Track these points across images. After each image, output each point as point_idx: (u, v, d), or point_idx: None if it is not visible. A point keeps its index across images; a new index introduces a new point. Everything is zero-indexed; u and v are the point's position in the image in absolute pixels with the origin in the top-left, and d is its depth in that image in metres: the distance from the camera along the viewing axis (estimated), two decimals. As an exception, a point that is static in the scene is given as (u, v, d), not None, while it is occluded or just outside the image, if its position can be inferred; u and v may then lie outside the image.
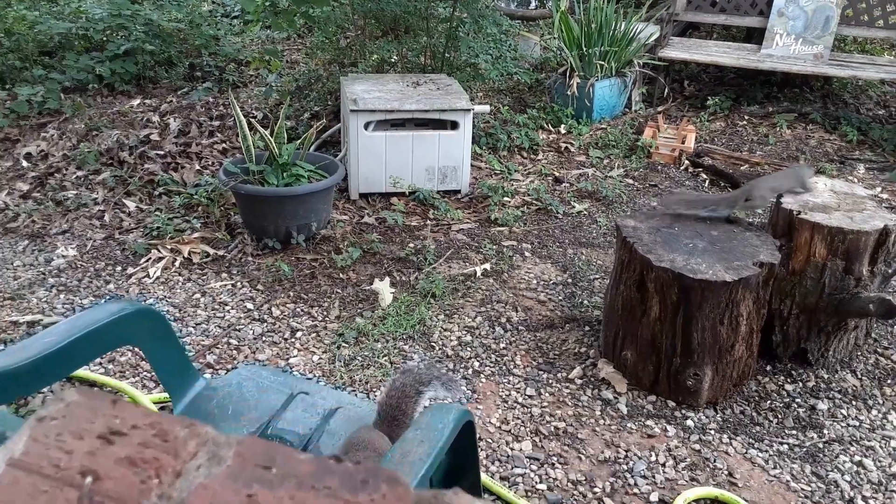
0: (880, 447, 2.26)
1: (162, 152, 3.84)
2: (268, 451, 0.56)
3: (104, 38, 5.28)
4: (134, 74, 5.03)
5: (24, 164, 3.78)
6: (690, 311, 2.23)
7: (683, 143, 4.38)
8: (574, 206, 3.77)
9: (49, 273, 3.03)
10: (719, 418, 2.35)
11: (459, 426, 1.28)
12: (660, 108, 5.09)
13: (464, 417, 1.28)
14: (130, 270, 3.05)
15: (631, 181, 4.11)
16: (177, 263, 3.09)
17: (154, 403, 2.27)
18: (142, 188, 3.62)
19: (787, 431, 2.31)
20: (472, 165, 3.89)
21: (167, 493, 0.55)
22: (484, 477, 2.04)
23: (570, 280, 3.13)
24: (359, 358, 2.59)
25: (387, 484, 0.50)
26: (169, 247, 3.16)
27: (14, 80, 4.75)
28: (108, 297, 2.90)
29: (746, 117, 5.04)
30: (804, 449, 2.24)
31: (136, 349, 2.44)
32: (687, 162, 4.26)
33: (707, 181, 4.14)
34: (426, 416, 1.28)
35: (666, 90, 5.17)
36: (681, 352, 2.31)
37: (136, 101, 4.60)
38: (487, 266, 3.16)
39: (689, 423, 2.32)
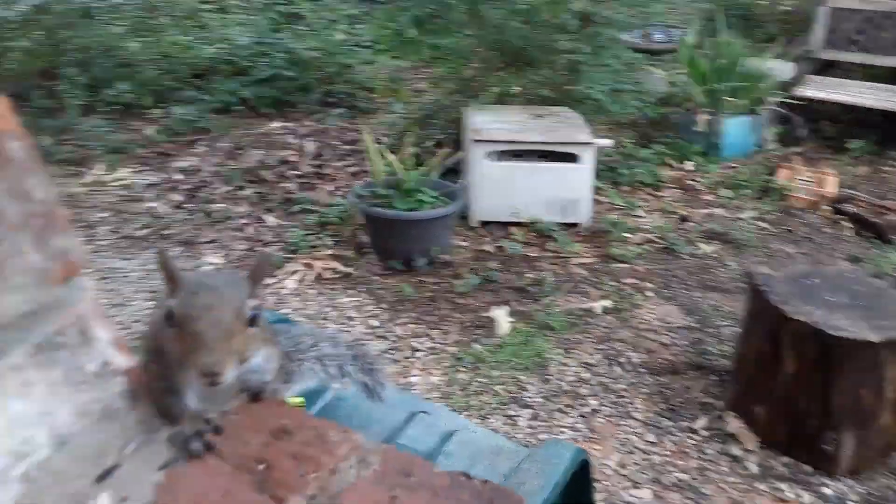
0: None
1: (299, 172, 4.08)
2: (408, 461, 0.65)
3: (248, 64, 5.70)
4: (274, 98, 5.40)
5: (178, 176, 4.13)
6: (830, 370, 2.10)
7: (822, 187, 4.15)
8: (700, 247, 3.66)
9: (196, 279, 3.28)
10: (862, 490, 2.18)
11: (576, 464, 1.27)
12: (795, 150, 4.86)
13: (580, 456, 1.28)
14: (268, 281, 3.25)
15: (764, 224, 3.93)
16: (309, 278, 3.27)
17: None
18: (280, 205, 3.86)
19: (937, 510, 2.12)
20: (593, 199, 3.87)
21: (324, 486, 0.65)
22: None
23: (696, 325, 3.03)
24: (475, 383, 2.63)
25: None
26: (303, 261, 3.35)
27: (169, 100, 5.21)
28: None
29: (892, 163, 4.71)
30: (957, 530, 2.04)
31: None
32: (827, 208, 4.02)
33: (849, 230, 3.88)
34: (542, 450, 1.28)
35: (803, 131, 4.93)
36: (819, 413, 2.17)
37: (276, 124, 4.92)
38: (607, 303, 3.12)
39: (827, 491, 2.17)
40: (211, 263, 3.38)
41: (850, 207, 3.93)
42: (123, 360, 0.72)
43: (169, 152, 4.46)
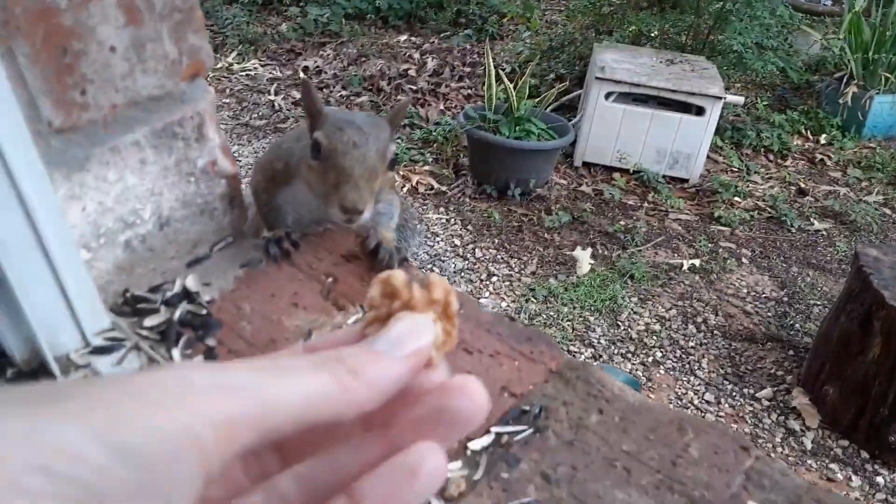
0: None
1: (415, 87, 4.15)
2: (461, 298, 0.70)
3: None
4: (407, 11, 5.43)
5: (301, 75, 4.31)
6: (919, 362, 1.98)
7: (972, 182, 3.74)
8: (812, 224, 3.43)
9: (301, 172, 3.48)
10: (921, 488, 2.08)
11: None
12: (952, 138, 4.37)
13: (631, 384, 1.30)
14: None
15: (889, 211, 3.62)
16: (404, 190, 3.37)
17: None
18: (390, 116, 3.96)
19: None
20: (708, 157, 3.69)
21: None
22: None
23: (785, 298, 2.89)
24: (543, 315, 2.66)
25: (546, 345, 0.59)
26: (401, 173, 3.45)
27: (306, 1, 5.38)
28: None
29: None
30: None
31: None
32: (969, 205, 3.64)
33: None
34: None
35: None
36: (892, 403, 2.06)
37: (403, 37, 4.98)
38: (696, 262, 3.03)
39: (880, 480, 2.08)
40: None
41: None
42: (228, 165, 0.78)
43: (297, 50, 4.64)
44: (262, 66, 4.43)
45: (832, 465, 2.12)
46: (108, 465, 0.22)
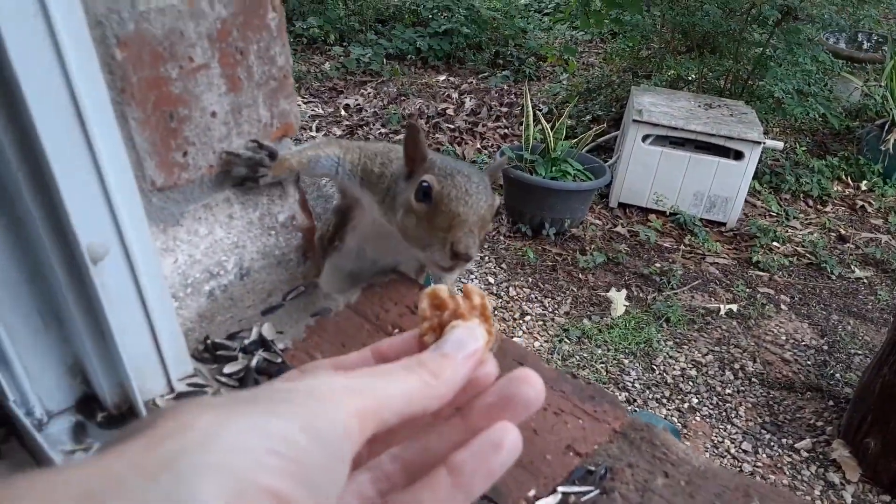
0: None
1: (452, 126, 4.23)
2: (523, 351, 0.73)
3: (430, 16, 5.90)
4: (446, 52, 5.57)
5: (343, 112, 4.43)
6: (966, 420, 1.94)
7: None
8: (854, 271, 3.38)
9: (340, 207, 3.55)
10: (969, 552, 2.01)
11: None
12: None
13: (671, 431, 1.30)
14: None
15: (933, 261, 3.56)
16: (440, 226, 3.42)
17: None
18: (428, 153, 4.04)
19: None
20: (746, 201, 3.68)
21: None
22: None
23: (825, 347, 2.85)
24: (576, 357, 2.66)
25: (609, 403, 0.61)
26: (438, 209, 3.51)
27: (351, 40, 5.55)
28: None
29: None
30: None
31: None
32: None
33: None
34: (632, 418, 1.32)
35: None
36: (940, 461, 2.02)
37: (441, 77, 5.09)
38: (734, 307, 3.00)
39: (927, 541, 2.03)
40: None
41: None
42: (305, 219, 0.83)
43: (339, 88, 4.77)
44: (304, 103, 4.56)
45: (875, 523, 2.07)
46: (309, 447, 0.30)
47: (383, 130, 4.24)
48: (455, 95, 4.66)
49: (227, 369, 0.67)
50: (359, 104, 4.49)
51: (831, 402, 2.53)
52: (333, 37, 5.55)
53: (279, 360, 0.70)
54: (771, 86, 4.25)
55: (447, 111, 4.39)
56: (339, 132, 4.20)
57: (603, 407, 0.61)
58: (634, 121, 3.58)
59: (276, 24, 0.70)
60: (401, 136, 4.12)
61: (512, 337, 2.74)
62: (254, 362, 0.68)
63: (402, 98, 4.58)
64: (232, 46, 0.64)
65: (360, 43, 5.38)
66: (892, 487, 2.15)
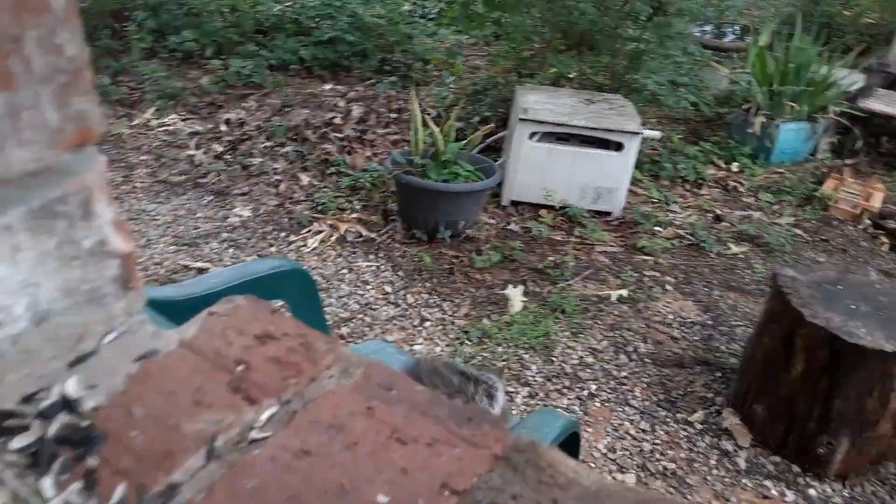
0: None
1: (341, 135, 4.16)
2: (391, 376, 0.64)
3: (312, 25, 5.79)
4: (331, 61, 5.48)
5: (223, 128, 4.27)
6: (838, 376, 2.07)
7: (868, 200, 3.99)
8: (730, 248, 3.58)
9: (224, 228, 3.41)
10: (846, 494, 2.15)
11: (565, 433, 1.29)
12: (848, 161, 4.67)
13: (571, 427, 1.30)
14: (292, 238, 3.35)
15: (800, 232, 3.82)
16: (332, 238, 3.35)
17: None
18: (317, 165, 3.96)
19: (927, 533, 2.06)
20: (629, 190, 3.82)
21: (301, 392, 0.62)
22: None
23: (710, 322, 2.99)
24: (479, 357, 2.66)
25: (489, 425, 0.56)
26: (329, 222, 3.44)
27: (229, 53, 5.36)
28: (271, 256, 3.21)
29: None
30: (945, 558, 1.99)
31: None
32: (868, 222, 3.87)
33: (886, 245, 3.74)
34: (534, 417, 1.31)
35: (860, 143, 4.72)
36: (818, 417, 2.15)
37: (327, 86, 5.00)
38: (624, 292, 3.10)
39: (812, 493, 2.15)
40: (239, 215, 3.50)
41: (891, 223, 3.77)
42: (121, 243, 0.68)
43: (219, 103, 4.60)
44: (182, 120, 4.37)
45: (766, 483, 2.17)
46: None
47: (268, 144, 4.12)
48: (342, 104, 4.59)
49: (17, 443, 0.54)
50: (241, 118, 4.35)
51: (719, 374, 2.65)
52: (211, 50, 5.35)
53: (86, 422, 0.57)
54: (645, 78, 4.45)
55: (335, 120, 4.32)
56: (220, 148, 4.05)
57: (482, 429, 0.57)
58: (521, 119, 3.64)
59: (63, 5, 0.57)
60: (287, 149, 4.01)
61: (412, 345, 2.71)
62: (52, 430, 0.55)
63: (287, 109, 4.46)
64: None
65: (239, 55, 5.21)
66: (779, 449, 2.28)
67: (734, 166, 4.47)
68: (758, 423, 2.33)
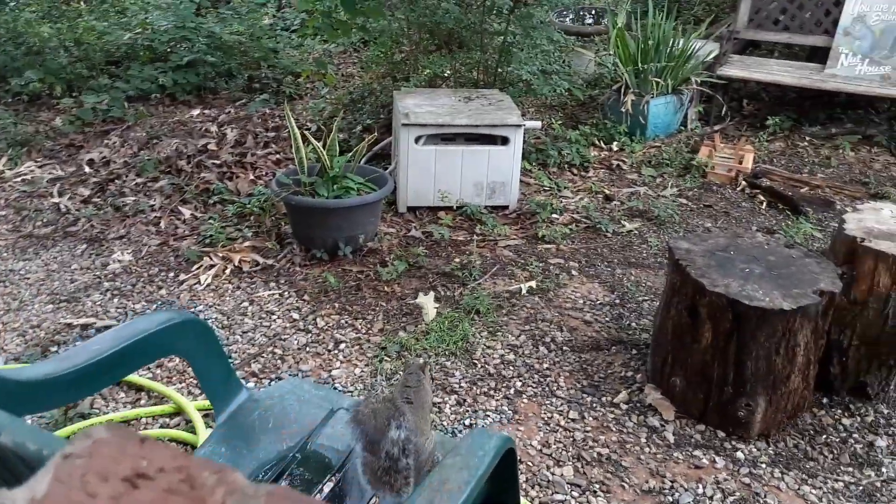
0: (945, 491, 2.13)
1: (218, 162, 3.94)
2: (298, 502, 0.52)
3: (168, 50, 5.47)
4: (195, 85, 5.19)
5: (87, 169, 3.93)
6: (744, 339, 2.15)
7: (741, 163, 4.26)
8: (624, 226, 3.70)
9: (104, 277, 3.13)
10: (771, 451, 2.26)
11: (501, 453, 1.25)
12: (716, 127, 4.97)
13: (505, 444, 1.25)
14: (182, 277, 3.13)
15: (684, 201, 4.01)
16: (227, 271, 3.16)
17: (199, 410, 2.31)
18: (197, 196, 3.72)
19: (842, 468, 2.20)
20: (521, 181, 3.86)
21: None
22: None
23: (617, 301, 3.07)
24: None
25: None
26: (220, 255, 3.23)
27: (81, 89, 4.96)
28: (159, 304, 2.97)
29: (808, 139, 4.87)
30: (861, 487, 2.12)
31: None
32: (744, 183, 4.14)
33: (764, 203, 4.01)
34: (466, 441, 1.25)
35: (724, 109, 5.05)
36: (733, 381, 2.23)
37: (195, 112, 4.73)
38: (533, 284, 3.12)
39: (740, 455, 2.24)
40: (119, 261, 3.23)
41: (764, 181, 4.04)
42: None
43: (78, 144, 4.24)
44: (39, 167, 3.98)
45: (696, 453, 2.24)
46: None
47: (140, 180, 3.83)
48: (214, 129, 4.35)
49: None
50: (104, 157, 4.02)
51: (635, 351, 2.72)
52: (60, 88, 4.92)
53: None
54: (518, 70, 4.53)
55: (209, 146, 4.09)
56: (86, 192, 3.72)
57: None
58: (403, 124, 3.58)
59: None
60: (162, 183, 3.74)
61: (330, 371, 2.59)
62: None
63: (155, 141, 4.17)
64: None
65: (92, 90, 4.83)
66: (702, 417, 2.35)
67: (614, 146, 4.64)
68: (678, 394, 2.40)
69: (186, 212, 3.61)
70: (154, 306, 2.94)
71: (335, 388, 2.49)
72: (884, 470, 2.19)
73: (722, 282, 2.20)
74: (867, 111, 5.20)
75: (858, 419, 2.40)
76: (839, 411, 2.44)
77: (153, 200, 3.67)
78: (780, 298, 2.12)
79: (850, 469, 2.20)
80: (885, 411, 2.43)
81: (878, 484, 2.14)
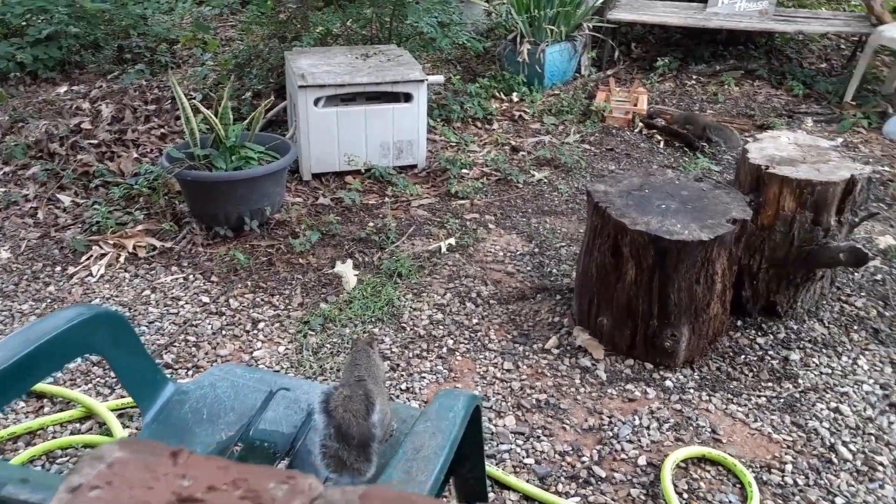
0: (854, 392, 2.29)
1: (95, 141, 3.59)
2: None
3: (24, 23, 4.92)
4: (58, 60, 4.71)
5: None
6: (667, 272, 2.20)
7: (636, 105, 4.36)
8: (534, 175, 3.70)
9: (-18, 278, 2.80)
10: (697, 377, 2.34)
11: (470, 412, 1.20)
12: (609, 72, 5.06)
13: (473, 402, 1.20)
14: (71, 270, 2.85)
15: (588, 146, 4.07)
16: (121, 259, 2.90)
17: (112, 410, 2.12)
18: (76, 181, 3.38)
19: (763, 384, 2.32)
20: (427, 139, 3.77)
21: None
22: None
23: (536, 250, 3.07)
24: (327, 345, 2.48)
25: None
26: (111, 242, 2.96)
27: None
28: (49, 301, 2.69)
29: (695, 77, 5.05)
30: (782, 400, 2.25)
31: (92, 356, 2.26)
32: (641, 124, 4.24)
33: (661, 142, 4.13)
34: (434, 406, 1.19)
35: (616, 53, 5.13)
36: (657, 314, 2.28)
37: (62, 89, 4.29)
38: (452, 241, 3.07)
39: (668, 383, 2.31)
40: (-4, 257, 2.90)
41: (659, 121, 4.16)
42: None
43: (-74, 134, 3.74)
44: None
45: (628, 387, 2.29)
46: None
47: (8, 169, 3.44)
48: (87, 106, 3.96)
49: None
50: (-39, 147, 3.57)
51: (559, 297, 2.73)
52: None
53: None
54: (415, 23, 4.37)
55: (83, 125, 3.72)
56: (-55, 187, 3.29)
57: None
58: (300, 87, 3.39)
59: None
60: (34, 170, 3.38)
61: (252, 353, 2.44)
62: None
63: (21, 124, 3.75)
64: None
65: (-64, 72, 4.27)
66: (630, 351, 2.40)
67: (514, 96, 4.61)
68: (606, 333, 2.44)
69: (66, 199, 3.28)
70: (44, 305, 2.66)
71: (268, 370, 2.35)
72: (800, 381, 2.33)
73: (642, 219, 2.22)
74: (747, 47, 5.44)
75: (772, 337, 2.53)
76: (753, 332, 2.56)
77: (26, 190, 3.31)
78: (698, 230, 2.17)
79: (770, 384, 2.32)
80: (795, 327, 2.57)
81: (797, 395, 2.27)
